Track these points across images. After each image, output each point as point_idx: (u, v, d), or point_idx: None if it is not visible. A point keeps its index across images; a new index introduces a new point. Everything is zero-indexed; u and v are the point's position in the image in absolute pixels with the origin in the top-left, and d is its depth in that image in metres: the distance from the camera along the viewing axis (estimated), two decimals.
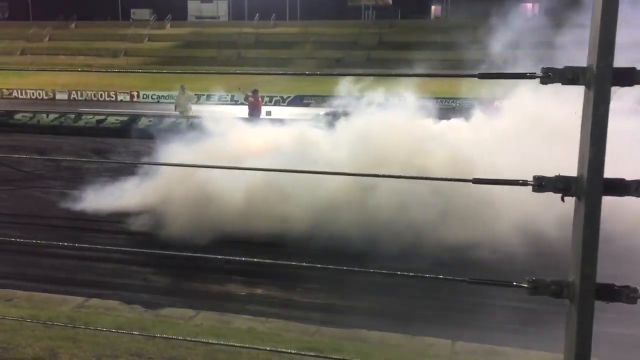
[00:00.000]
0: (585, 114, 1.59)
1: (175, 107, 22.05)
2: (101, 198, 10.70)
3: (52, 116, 22.28)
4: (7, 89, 34.93)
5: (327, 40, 43.52)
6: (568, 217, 1.64)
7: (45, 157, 16.74)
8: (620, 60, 1.56)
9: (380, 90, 11.92)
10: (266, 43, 45.14)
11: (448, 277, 2.00)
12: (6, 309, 5.02)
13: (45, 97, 34.60)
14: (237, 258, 6.29)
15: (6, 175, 13.69)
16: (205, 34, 47.52)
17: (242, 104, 22.47)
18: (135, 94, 33.46)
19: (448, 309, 6.82)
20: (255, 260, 8.31)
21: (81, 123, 21.64)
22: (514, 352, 4.69)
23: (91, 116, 22.17)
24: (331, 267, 2.02)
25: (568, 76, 1.61)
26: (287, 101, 30.31)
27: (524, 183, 1.70)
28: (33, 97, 34.56)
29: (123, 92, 33.66)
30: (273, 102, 29.07)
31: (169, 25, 50.81)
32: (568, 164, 1.70)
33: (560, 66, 1.63)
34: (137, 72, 2.70)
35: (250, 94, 21.05)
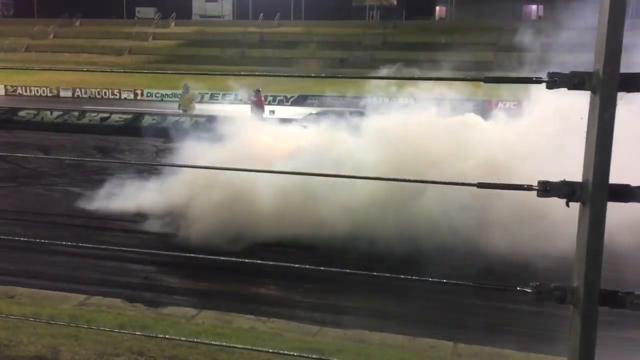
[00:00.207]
0: (591, 120, 1.58)
1: (179, 105, 22.07)
2: (104, 196, 10.73)
3: (56, 113, 22.34)
4: (11, 86, 35.05)
5: (331, 40, 43.49)
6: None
7: (51, 157, 16.77)
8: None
9: (390, 90, 11.77)
10: (270, 42, 45.14)
11: (451, 281, 1.99)
12: (8, 306, 5.03)
13: (49, 95, 34.68)
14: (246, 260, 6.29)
15: (10, 172, 13.73)
16: (210, 33, 47.54)
17: (245, 103, 22.45)
18: (139, 92, 33.53)
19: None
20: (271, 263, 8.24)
21: (85, 121, 21.69)
22: (515, 355, 4.68)
23: (95, 114, 22.22)
24: (334, 269, 2.01)
25: (574, 81, 1.60)
26: (290, 101, 30.33)
27: (529, 188, 1.69)
28: (37, 95, 34.67)
29: (127, 90, 33.74)
30: (277, 102, 29.08)
31: (173, 23, 50.88)
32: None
33: (565, 71, 1.62)
34: (141, 72, 2.70)
35: (252, 93, 21.06)
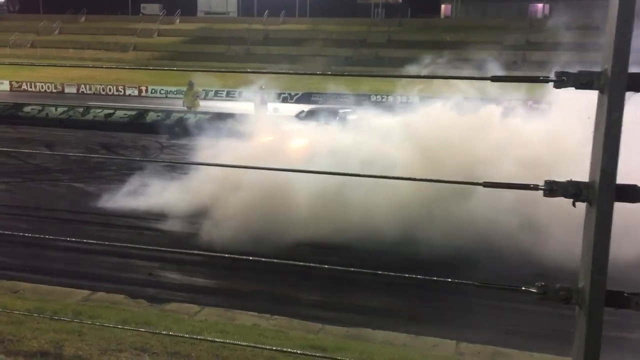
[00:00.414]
0: (599, 119, 1.57)
1: (184, 102, 22.10)
2: (109, 192, 10.76)
3: (60, 109, 22.40)
4: (16, 82, 35.17)
5: (336, 38, 43.49)
6: None
7: (56, 153, 16.83)
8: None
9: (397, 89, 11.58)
10: (275, 40, 45.16)
11: (456, 280, 1.98)
12: (12, 301, 5.05)
13: (54, 90, 34.81)
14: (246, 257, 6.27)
15: (15, 168, 13.78)
16: (215, 30, 47.58)
17: (249, 101, 22.46)
18: (143, 88, 33.59)
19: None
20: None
21: (89, 117, 21.75)
22: (519, 354, 4.67)
23: (100, 110, 22.26)
24: (332, 266, 2.01)
25: (582, 80, 1.58)
26: (295, 98, 30.32)
27: (535, 188, 1.68)
28: (42, 90, 34.78)
29: (131, 87, 33.80)
30: (281, 99, 29.08)
31: (178, 20, 50.97)
32: (624, 172, 1.54)
33: (573, 70, 1.61)
34: (146, 68, 2.70)
35: (259, 91, 21.08)
